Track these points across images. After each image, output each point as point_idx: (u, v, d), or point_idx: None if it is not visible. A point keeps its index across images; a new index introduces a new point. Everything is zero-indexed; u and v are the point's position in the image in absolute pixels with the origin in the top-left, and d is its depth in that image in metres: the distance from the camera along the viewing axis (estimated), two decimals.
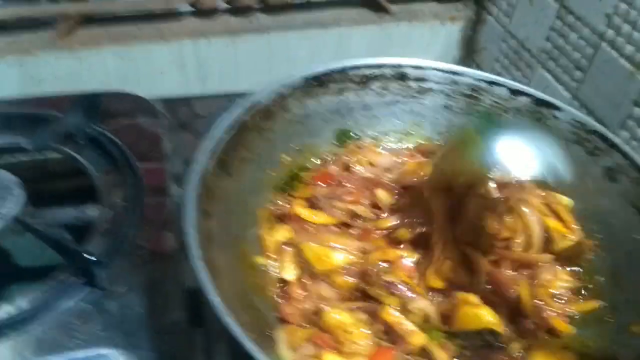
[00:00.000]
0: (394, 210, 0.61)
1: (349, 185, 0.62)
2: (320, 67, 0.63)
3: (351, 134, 0.68)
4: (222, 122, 0.55)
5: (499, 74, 0.69)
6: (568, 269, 0.58)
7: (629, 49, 0.75)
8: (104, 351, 0.56)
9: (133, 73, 0.97)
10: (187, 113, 0.91)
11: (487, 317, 0.52)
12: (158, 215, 0.70)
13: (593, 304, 0.56)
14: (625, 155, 0.60)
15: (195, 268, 0.44)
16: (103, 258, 0.61)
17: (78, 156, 0.75)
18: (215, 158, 0.53)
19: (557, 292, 0.56)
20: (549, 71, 0.92)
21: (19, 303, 0.58)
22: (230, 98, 0.60)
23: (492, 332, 0.52)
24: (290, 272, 0.56)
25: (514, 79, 0.82)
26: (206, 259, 0.45)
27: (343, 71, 0.65)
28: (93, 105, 0.79)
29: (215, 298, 0.42)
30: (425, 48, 1.09)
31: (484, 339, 0.52)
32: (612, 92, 0.79)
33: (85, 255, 0.59)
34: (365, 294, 0.54)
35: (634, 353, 0.51)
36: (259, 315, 0.52)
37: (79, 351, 0.55)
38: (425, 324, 0.52)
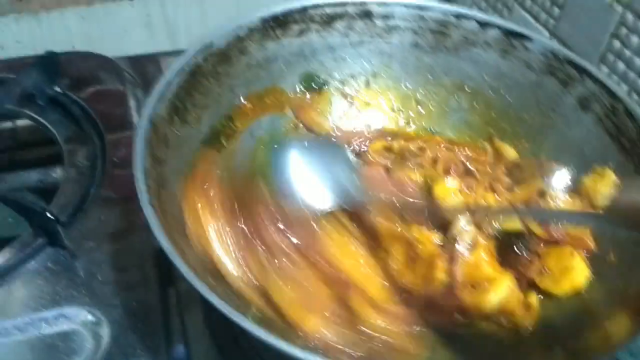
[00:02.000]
0: None
1: None
2: (278, 7, 0.60)
3: (317, 77, 0.66)
4: (174, 66, 0.53)
5: None
6: None
7: None
8: (70, 310, 0.54)
9: (97, 34, 0.94)
10: (153, 71, 0.88)
11: None
12: (123, 176, 0.68)
13: None
14: (598, 81, 0.57)
15: (145, 212, 0.42)
16: (65, 217, 0.60)
17: (39, 118, 0.72)
18: (167, 103, 0.51)
19: None
20: (526, 10, 0.89)
21: None
22: None
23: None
24: None
25: None
26: (157, 204, 0.43)
27: (304, 10, 0.62)
28: (52, 64, 0.77)
29: (164, 242, 0.40)
30: None
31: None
32: (591, 26, 0.76)
33: (47, 214, 0.58)
34: None
35: (612, 283, 0.50)
36: None
37: (45, 311, 0.54)
38: None
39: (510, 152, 0.64)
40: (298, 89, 0.65)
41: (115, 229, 0.62)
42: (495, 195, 0.58)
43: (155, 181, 0.46)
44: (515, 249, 0.55)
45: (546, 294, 0.53)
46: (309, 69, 0.66)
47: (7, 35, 0.92)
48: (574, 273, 0.52)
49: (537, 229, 0.54)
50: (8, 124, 0.83)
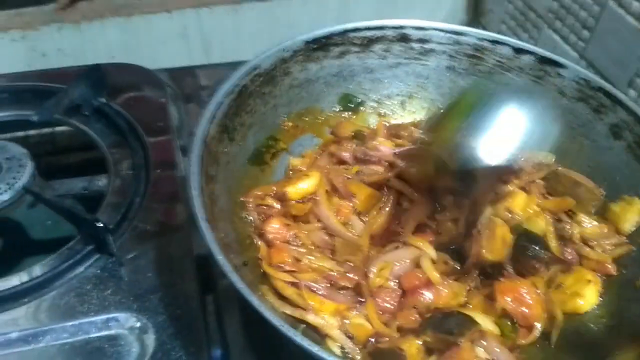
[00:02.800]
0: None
1: None
2: (320, 30, 0.63)
3: (354, 97, 0.68)
4: (223, 88, 0.55)
5: (505, 36, 0.68)
6: None
7: (635, 5, 0.73)
8: (116, 315, 0.57)
9: (135, 45, 0.97)
10: (191, 83, 0.91)
11: None
12: (166, 185, 0.70)
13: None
14: (630, 111, 0.59)
15: (201, 229, 0.44)
16: (112, 225, 0.63)
17: (85, 128, 0.75)
18: (217, 123, 0.54)
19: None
20: (555, 31, 0.91)
21: (33, 271, 0.59)
22: (234, 67, 0.60)
23: None
24: None
25: (521, 41, 0.81)
26: (210, 220, 0.45)
27: (344, 33, 0.64)
28: (98, 77, 0.79)
29: (220, 257, 0.42)
30: (430, 12, 1.08)
31: None
32: (620, 50, 0.78)
33: (95, 222, 0.60)
34: None
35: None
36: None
37: (92, 315, 0.57)
38: None
39: (548, 158, 0.65)
40: (336, 109, 0.68)
41: (157, 238, 0.64)
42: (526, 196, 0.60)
43: (208, 197, 0.48)
44: (529, 252, 0.56)
45: None
46: (347, 90, 0.68)
47: (50, 44, 0.95)
48: (582, 299, 0.54)
49: (554, 243, 0.57)
50: (47, 130, 0.86)
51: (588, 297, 0.54)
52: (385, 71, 0.68)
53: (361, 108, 0.69)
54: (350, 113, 0.69)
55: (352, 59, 0.66)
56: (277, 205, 0.58)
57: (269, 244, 0.55)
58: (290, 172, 0.64)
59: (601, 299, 0.55)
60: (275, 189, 0.59)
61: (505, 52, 0.66)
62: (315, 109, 0.67)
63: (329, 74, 0.66)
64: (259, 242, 0.56)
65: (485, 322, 0.50)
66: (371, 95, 0.69)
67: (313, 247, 0.56)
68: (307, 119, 0.66)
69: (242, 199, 0.58)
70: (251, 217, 0.57)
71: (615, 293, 0.54)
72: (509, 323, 0.52)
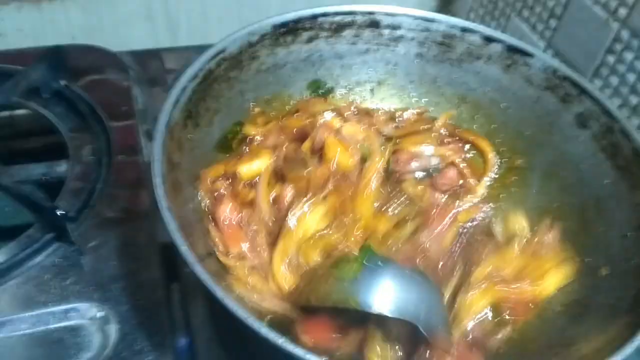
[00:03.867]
0: None
1: None
2: (289, 14, 0.62)
3: (323, 83, 0.67)
4: (188, 72, 0.54)
5: None
6: None
7: None
8: (76, 305, 0.55)
9: (98, 25, 0.94)
10: (156, 66, 0.89)
11: None
12: (129, 171, 0.69)
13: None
14: (596, 101, 0.60)
15: (164, 218, 0.43)
16: (73, 213, 0.61)
17: (44, 111, 0.73)
18: (181, 108, 0.52)
19: None
20: (523, 20, 0.91)
21: None
22: (201, 50, 0.58)
23: None
24: None
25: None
26: (174, 209, 0.44)
27: (313, 18, 0.63)
28: (58, 58, 0.77)
29: (184, 247, 0.41)
30: None
31: None
32: (586, 40, 0.79)
33: (55, 209, 0.59)
34: None
35: (604, 296, 0.52)
36: None
37: (52, 306, 0.55)
38: None
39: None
40: (305, 95, 0.67)
41: (120, 226, 0.63)
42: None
43: (171, 185, 0.47)
44: None
45: None
46: (316, 76, 0.67)
47: (9, 23, 0.91)
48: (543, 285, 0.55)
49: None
50: (5, 113, 0.83)
51: (547, 283, 0.55)
52: (355, 57, 0.68)
53: (331, 95, 0.69)
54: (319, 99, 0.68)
55: (322, 44, 0.65)
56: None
57: (222, 231, 0.54)
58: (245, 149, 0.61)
59: (565, 287, 0.55)
60: (225, 168, 0.57)
61: (475, 40, 0.66)
62: (283, 95, 0.66)
63: (297, 59, 0.65)
64: (210, 229, 0.54)
65: None
66: (341, 82, 0.69)
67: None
68: (275, 104, 0.65)
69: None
70: (203, 203, 0.55)
71: (578, 281, 0.55)
72: None
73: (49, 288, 0.56)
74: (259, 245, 0.53)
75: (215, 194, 0.55)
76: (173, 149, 0.50)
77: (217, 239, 0.53)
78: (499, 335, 0.52)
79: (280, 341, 0.38)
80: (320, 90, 0.67)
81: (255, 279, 0.51)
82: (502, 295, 0.53)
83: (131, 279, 0.58)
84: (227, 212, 0.54)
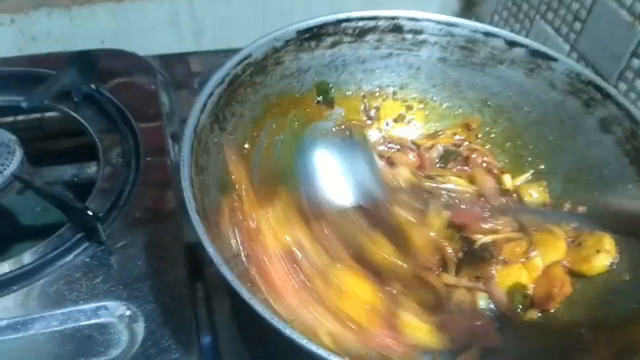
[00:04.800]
0: None
1: None
2: (313, 20, 0.63)
3: (330, 86, 0.68)
4: (215, 77, 0.55)
5: (497, 27, 0.68)
6: None
7: None
8: (106, 303, 0.57)
9: (125, 30, 0.96)
10: (182, 70, 0.90)
11: None
12: (156, 173, 0.70)
13: None
14: (620, 105, 0.59)
15: (192, 221, 0.44)
16: (102, 213, 0.62)
17: (75, 114, 0.75)
18: (209, 113, 0.53)
19: None
20: (547, 23, 0.91)
21: (22, 258, 0.59)
22: (225, 54, 0.59)
23: None
24: None
25: (513, 32, 0.81)
26: (201, 212, 0.45)
27: (337, 23, 0.64)
28: (88, 62, 0.79)
29: (211, 249, 0.42)
30: (423, 2, 1.07)
31: None
32: (611, 43, 0.78)
33: (84, 210, 0.60)
34: None
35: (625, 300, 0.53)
36: None
37: (81, 304, 0.57)
38: None
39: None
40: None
41: (147, 226, 0.64)
42: None
43: (199, 189, 0.48)
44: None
45: None
46: (338, 80, 0.68)
47: (39, 28, 0.94)
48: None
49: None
50: (36, 115, 0.85)
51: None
52: (377, 61, 0.68)
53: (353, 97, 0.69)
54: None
55: (345, 48, 0.66)
56: None
57: None
58: None
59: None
60: None
61: (498, 44, 0.66)
62: (306, 99, 0.66)
63: (320, 64, 0.66)
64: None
65: None
66: (364, 86, 0.69)
67: None
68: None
69: None
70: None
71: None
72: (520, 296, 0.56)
73: (79, 286, 0.58)
74: None
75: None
76: (200, 153, 0.51)
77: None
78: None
79: (304, 342, 0.39)
80: (326, 94, 0.68)
81: None
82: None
83: (157, 278, 0.59)
84: None
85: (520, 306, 0.57)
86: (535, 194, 0.64)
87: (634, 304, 0.51)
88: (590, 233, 0.59)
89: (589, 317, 0.53)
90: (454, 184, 0.65)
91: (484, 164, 0.67)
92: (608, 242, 0.57)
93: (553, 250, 0.59)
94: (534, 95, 0.66)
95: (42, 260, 0.59)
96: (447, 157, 0.68)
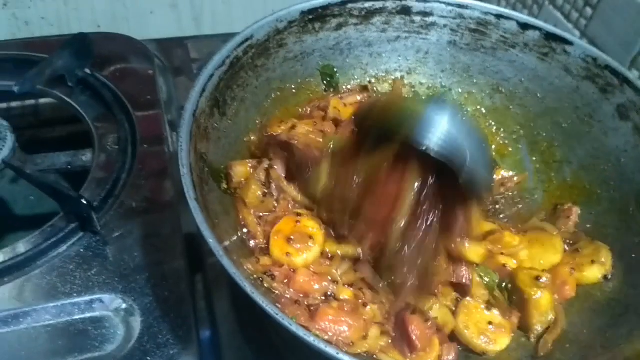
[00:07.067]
0: None
1: None
2: (318, 0, 0.60)
3: (335, 70, 0.65)
4: (215, 59, 0.52)
5: None
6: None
7: None
8: (101, 296, 0.55)
9: (122, 14, 0.93)
10: (181, 55, 0.88)
11: None
12: (154, 161, 0.68)
13: None
14: (638, 91, 0.57)
15: (192, 210, 0.42)
16: (97, 202, 0.60)
17: (69, 100, 0.72)
18: (208, 97, 0.51)
19: None
20: (557, 8, 0.88)
21: (13, 249, 0.57)
22: (225, 39, 0.56)
23: None
24: None
25: None
26: (201, 201, 0.43)
27: (342, 4, 0.61)
28: (82, 46, 0.76)
29: (211, 239, 0.40)
30: None
31: None
32: (623, 29, 0.76)
33: (78, 199, 0.58)
34: None
35: None
36: None
37: (75, 296, 0.54)
38: None
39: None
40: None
41: (144, 216, 0.62)
42: None
43: (198, 176, 0.46)
44: None
45: None
46: (343, 64, 0.65)
47: (33, 11, 0.91)
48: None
49: None
50: (30, 102, 0.83)
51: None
52: (384, 45, 0.66)
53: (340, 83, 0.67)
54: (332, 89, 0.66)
55: (350, 31, 0.64)
56: None
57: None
58: None
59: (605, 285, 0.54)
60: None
61: (510, 27, 0.63)
62: (308, 83, 0.64)
63: (325, 47, 0.63)
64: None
65: None
66: (369, 70, 0.67)
67: None
68: (300, 93, 0.63)
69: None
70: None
71: (619, 280, 0.52)
72: None
73: (73, 278, 0.56)
74: None
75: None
76: (199, 138, 0.48)
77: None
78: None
79: (312, 339, 0.37)
80: (330, 78, 0.65)
81: None
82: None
83: (155, 270, 0.57)
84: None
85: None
86: None
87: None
88: (590, 241, 0.56)
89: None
90: None
91: None
92: (605, 254, 0.55)
93: (550, 248, 0.56)
94: (548, 80, 0.63)
95: (34, 252, 0.56)
96: None
